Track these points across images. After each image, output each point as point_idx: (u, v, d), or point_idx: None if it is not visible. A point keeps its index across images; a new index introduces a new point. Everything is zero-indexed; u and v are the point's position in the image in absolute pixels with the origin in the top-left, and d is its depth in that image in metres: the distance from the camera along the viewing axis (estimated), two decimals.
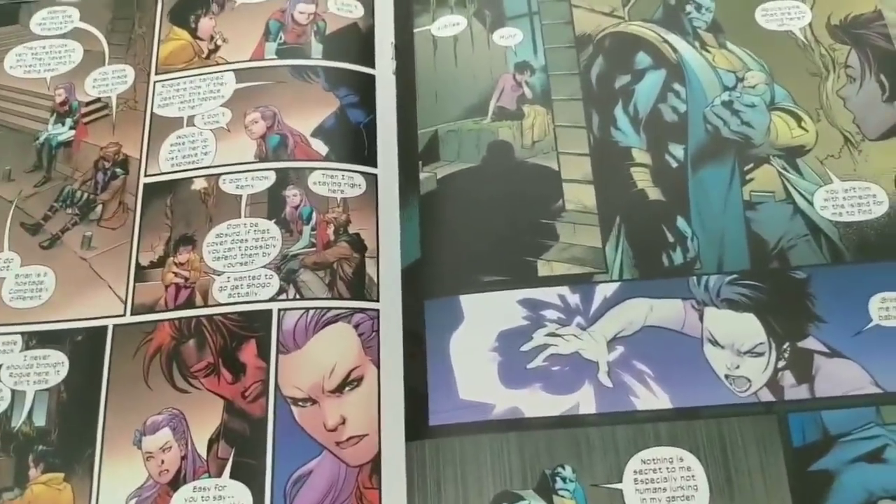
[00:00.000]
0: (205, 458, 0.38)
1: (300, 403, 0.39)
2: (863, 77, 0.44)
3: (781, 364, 0.38)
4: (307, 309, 0.41)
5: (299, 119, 0.45)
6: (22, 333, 0.42)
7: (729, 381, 0.38)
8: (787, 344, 0.38)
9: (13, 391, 0.40)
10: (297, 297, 0.41)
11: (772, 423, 0.37)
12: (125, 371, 0.40)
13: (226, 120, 0.46)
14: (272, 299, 0.41)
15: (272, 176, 0.44)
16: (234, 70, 0.47)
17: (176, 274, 0.42)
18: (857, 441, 0.36)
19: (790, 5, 0.46)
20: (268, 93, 0.46)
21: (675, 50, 0.46)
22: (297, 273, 0.42)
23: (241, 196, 0.44)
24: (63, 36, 0.50)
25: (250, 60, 0.48)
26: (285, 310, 0.41)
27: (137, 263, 0.43)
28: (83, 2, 0.51)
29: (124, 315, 0.42)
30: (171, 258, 0.43)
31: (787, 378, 0.38)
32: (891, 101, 0.43)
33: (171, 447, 0.39)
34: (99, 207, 0.45)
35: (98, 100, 0.48)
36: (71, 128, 0.47)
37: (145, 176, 0.45)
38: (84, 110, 0.48)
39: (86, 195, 0.45)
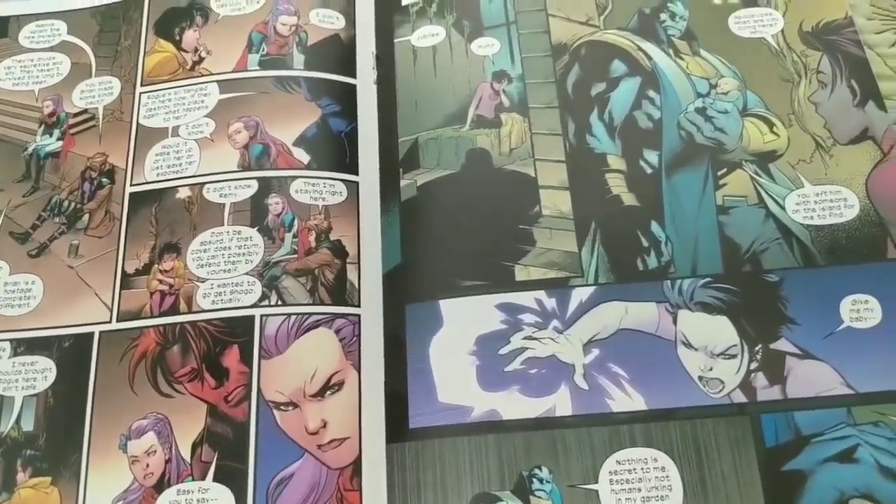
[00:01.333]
0: (189, 461, 0.39)
1: (282, 407, 0.40)
2: (834, 82, 0.44)
3: (754, 366, 0.39)
4: (289, 314, 0.42)
5: (282, 128, 0.46)
6: (10, 340, 0.43)
7: (702, 382, 0.39)
8: (759, 346, 0.39)
9: (1, 397, 0.41)
10: (280, 302, 0.42)
11: (745, 424, 0.38)
12: (111, 376, 0.41)
13: (210, 130, 0.47)
14: (255, 305, 0.42)
15: (255, 184, 0.45)
16: (217, 81, 0.48)
17: (161, 281, 0.43)
18: (828, 441, 0.37)
19: (763, 12, 0.47)
20: (251, 103, 0.47)
21: (649, 58, 0.47)
22: (279, 279, 0.43)
23: (224, 204, 0.45)
24: (51, 49, 0.51)
25: (234, 72, 0.49)
26: (267, 315, 0.42)
27: (123, 271, 0.44)
28: (71, 15, 0.52)
29: (110, 322, 0.43)
30: (156, 265, 0.44)
31: (760, 379, 0.38)
32: (861, 106, 0.44)
33: (155, 451, 0.39)
34: (86, 216, 0.46)
35: (85, 111, 0.49)
36: (59, 138, 0.48)
37: (131, 185, 0.46)
38: (71, 121, 0.49)
39: (73, 204, 0.46)
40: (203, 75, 0.49)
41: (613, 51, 0.47)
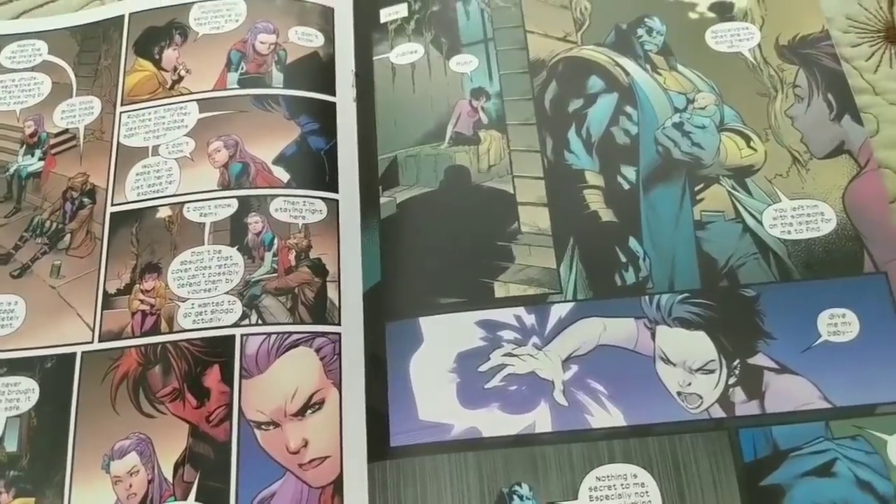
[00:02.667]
0: (171, 481, 0.39)
1: (263, 427, 0.40)
2: (811, 96, 0.45)
3: (732, 381, 0.39)
4: (269, 334, 0.42)
5: (261, 147, 0.47)
6: None
7: (681, 398, 0.39)
8: (737, 361, 0.39)
9: None
10: (260, 322, 0.42)
11: (723, 439, 0.38)
12: (93, 397, 0.41)
13: (189, 149, 0.47)
14: (235, 325, 0.42)
15: (234, 203, 0.45)
16: (197, 100, 0.49)
17: (142, 301, 0.43)
18: (806, 455, 0.37)
19: (739, 27, 0.47)
20: (230, 122, 0.48)
21: (627, 73, 0.47)
22: (259, 298, 0.43)
23: (204, 224, 0.45)
24: (32, 69, 0.51)
25: (213, 90, 0.49)
26: (248, 335, 0.42)
27: (105, 291, 0.44)
28: (51, 35, 0.52)
29: (92, 342, 0.43)
30: (138, 285, 0.44)
31: (738, 394, 0.38)
32: (837, 120, 0.44)
33: (138, 471, 0.40)
34: (67, 237, 0.46)
35: (66, 131, 0.49)
36: (40, 159, 0.48)
37: (112, 205, 0.46)
38: (53, 141, 0.49)
39: (55, 224, 0.46)
40: (182, 94, 0.49)
41: (591, 67, 0.47)
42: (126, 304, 0.43)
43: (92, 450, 0.40)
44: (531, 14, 0.50)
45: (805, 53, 0.46)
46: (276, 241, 0.44)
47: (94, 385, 0.41)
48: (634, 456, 0.38)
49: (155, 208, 0.46)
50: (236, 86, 0.49)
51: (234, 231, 0.44)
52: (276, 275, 0.43)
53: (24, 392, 0.42)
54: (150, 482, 0.39)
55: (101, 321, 0.43)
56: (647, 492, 0.37)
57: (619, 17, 0.49)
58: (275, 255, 0.44)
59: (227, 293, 0.43)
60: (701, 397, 0.39)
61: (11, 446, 0.41)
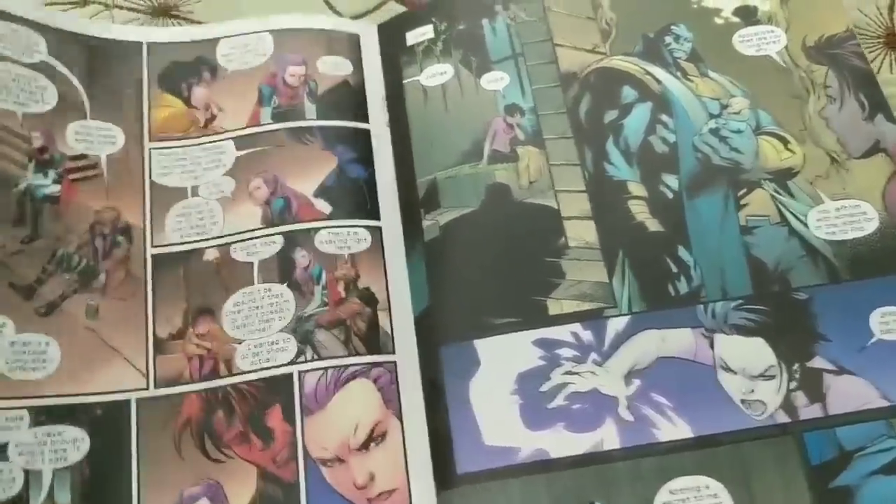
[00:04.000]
0: None
1: (328, 464, 0.40)
2: (842, 97, 0.45)
3: (793, 385, 0.39)
4: (326, 368, 0.41)
5: (300, 180, 0.46)
6: (28, 408, 0.40)
7: (745, 405, 0.39)
8: (796, 365, 0.39)
9: (27, 471, 0.39)
10: (315, 357, 0.41)
11: (789, 444, 0.38)
12: (156, 444, 0.40)
13: (230, 188, 0.46)
14: (292, 362, 0.41)
15: (280, 240, 0.45)
16: (233, 138, 0.48)
17: (198, 345, 0.43)
18: (872, 455, 0.37)
19: (765, 30, 0.48)
20: (268, 158, 0.47)
21: (658, 81, 0.47)
22: (312, 334, 0.42)
23: (252, 263, 0.44)
24: (31, 67, 0.47)
25: (247, 127, 0.48)
26: (305, 371, 0.41)
27: (155, 336, 0.43)
28: (51, 32, 0.49)
29: (148, 388, 0.42)
30: (191, 329, 0.43)
31: (800, 398, 0.39)
32: (870, 120, 0.44)
33: None
34: (102, 276, 0.44)
35: (84, 156, 0.46)
36: (55, 181, 0.45)
37: (152, 247, 0.45)
38: (69, 165, 0.46)
39: (84, 261, 0.44)
40: (217, 133, 0.48)
41: (622, 77, 0.48)
42: (180, 348, 0.43)
43: (159, 499, 0.39)
44: (558, 27, 0.49)
45: (833, 54, 0.47)
46: (324, 273, 0.43)
47: (155, 432, 0.40)
48: (705, 467, 0.38)
49: (201, 251, 0.45)
50: (270, 120, 0.48)
51: (281, 267, 0.44)
52: (326, 308, 0.43)
53: (73, 441, 0.40)
54: None
55: (154, 367, 0.42)
56: (720, 502, 0.37)
57: (646, 27, 0.49)
58: (324, 289, 0.43)
59: (280, 331, 0.42)
60: (765, 404, 0.39)
61: (63, 499, 0.39)
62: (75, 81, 0.48)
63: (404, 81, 0.50)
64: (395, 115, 0.49)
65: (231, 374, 0.42)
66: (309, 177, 0.46)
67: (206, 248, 0.45)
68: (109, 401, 0.41)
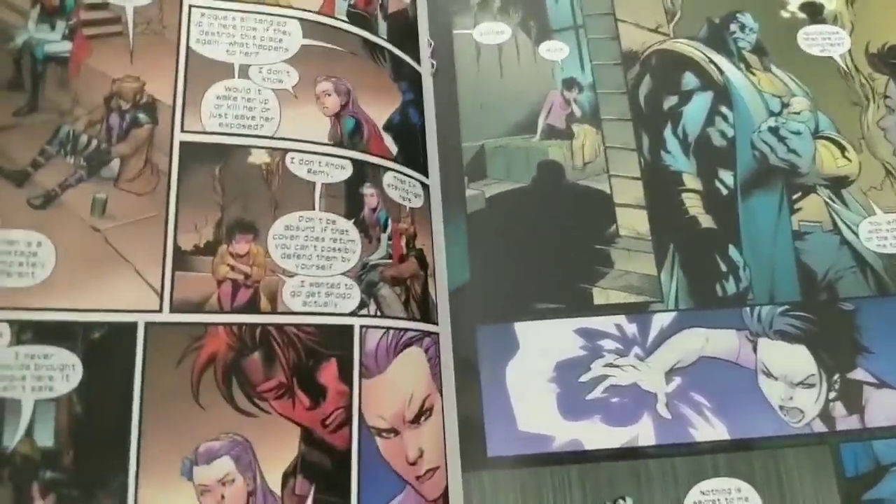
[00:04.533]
0: (279, 494, 0.33)
1: (384, 434, 0.35)
2: None
3: (832, 395, 0.39)
4: (388, 328, 0.36)
5: (372, 106, 0.39)
6: (10, 322, 0.32)
7: (783, 412, 0.39)
8: (836, 375, 0.39)
9: (1, 400, 0.31)
10: (378, 313, 0.36)
11: (825, 454, 0.38)
12: (166, 383, 0.33)
13: (291, 81, 0.38)
14: (353, 313, 0.36)
15: (349, 167, 0.38)
16: (300, 19, 0.39)
17: (233, 267, 0.35)
18: None
19: (830, 31, 0.47)
20: (339, 62, 0.39)
21: (721, 71, 0.46)
22: (377, 286, 0.37)
23: (314, 184, 0.37)
24: None
25: (320, 14, 0.39)
26: (367, 327, 0.36)
27: (176, 246, 0.34)
28: None
29: (160, 311, 0.33)
30: (226, 246, 0.35)
31: (839, 409, 0.39)
32: None
33: (233, 480, 0.33)
34: (115, 163, 0.35)
35: (105, 5, 0.37)
36: (65, 36, 0.36)
37: (182, 132, 0.36)
38: (84, 16, 0.37)
39: (94, 142, 0.35)
40: (281, 6, 0.39)
41: (685, 62, 0.46)
42: (209, 267, 0.34)
43: (166, 450, 0.32)
44: (621, 1, 0.47)
45: (894, 63, 0.46)
46: (389, 221, 0.38)
47: (167, 368, 0.33)
48: (738, 470, 0.38)
49: (246, 149, 0.36)
50: (345, 18, 0.40)
51: (348, 200, 0.37)
52: (391, 261, 0.38)
53: (60, 368, 0.32)
54: (250, 494, 0.33)
55: (172, 285, 0.34)
56: None
57: (711, 10, 0.47)
58: (389, 239, 0.38)
59: (343, 274, 0.36)
60: (803, 412, 0.39)
61: (45, 440, 0.31)
62: None
63: (454, 32, 0.47)
64: (442, 67, 0.46)
65: (275, 312, 0.35)
66: (380, 105, 0.39)
67: (254, 147, 0.37)
68: (111, 321, 0.32)
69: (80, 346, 0.32)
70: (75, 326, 0.32)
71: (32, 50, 0.36)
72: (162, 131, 0.36)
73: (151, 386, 0.32)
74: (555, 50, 0.46)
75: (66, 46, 0.36)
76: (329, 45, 0.39)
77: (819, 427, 0.38)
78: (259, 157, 0.37)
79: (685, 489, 0.38)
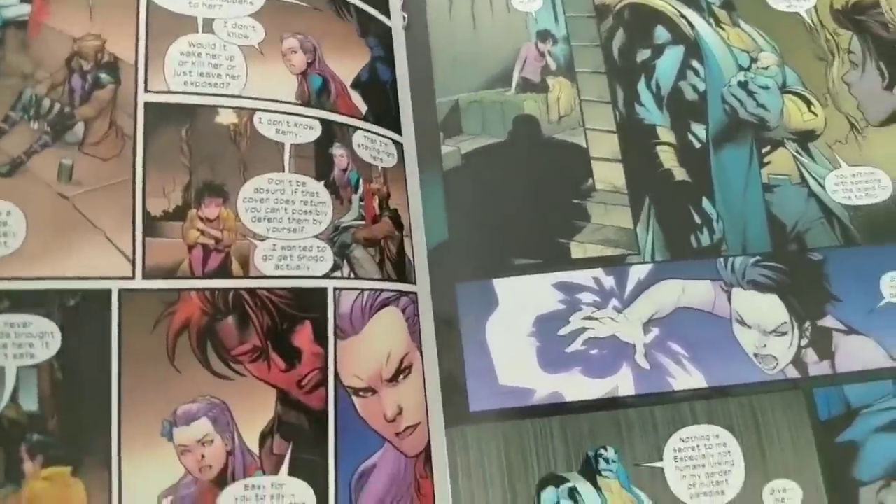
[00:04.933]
0: (257, 453, 0.34)
1: (361, 393, 0.36)
2: (864, 63, 0.46)
3: (804, 342, 0.40)
4: (362, 290, 0.37)
5: (338, 63, 0.38)
6: None
7: (758, 359, 0.40)
8: (807, 323, 0.40)
9: None
10: (352, 275, 0.37)
11: (798, 398, 0.39)
12: (142, 348, 0.33)
13: (258, 37, 0.37)
14: (327, 276, 0.36)
15: (317, 126, 0.37)
16: None
17: (203, 232, 0.35)
18: (877, 412, 0.39)
19: None
20: (304, 17, 0.38)
21: (691, 26, 0.46)
22: (350, 248, 0.37)
23: (282, 144, 0.37)
24: None
25: None
26: (341, 289, 0.36)
27: (145, 211, 0.34)
28: None
29: (133, 278, 0.33)
30: (195, 210, 0.35)
31: (811, 355, 0.40)
32: (890, 89, 0.45)
33: (212, 440, 0.34)
34: (79, 126, 0.35)
35: None
36: (24, 0, 0.35)
37: (146, 91, 0.35)
38: None
39: (58, 105, 0.35)
40: None
41: (657, 16, 0.46)
42: (179, 232, 0.34)
43: (145, 412, 0.33)
44: None
45: (858, 20, 0.47)
46: (361, 182, 0.38)
47: (142, 333, 0.33)
48: (716, 417, 0.39)
49: (213, 108, 0.36)
50: None
51: (318, 161, 0.37)
52: (363, 222, 0.37)
53: (40, 336, 0.32)
54: (229, 454, 0.34)
55: (143, 251, 0.34)
56: (729, 451, 0.38)
57: None
58: (361, 199, 0.38)
59: (315, 237, 0.36)
60: (776, 358, 0.40)
61: (30, 404, 0.32)
62: None
63: None
64: (413, 21, 0.44)
65: (247, 276, 0.35)
66: (347, 63, 0.39)
67: (221, 106, 0.36)
68: (86, 289, 0.33)
69: (58, 314, 0.33)
70: (51, 294, 0.32)
71: None
72: (125, 91, 0.35)
73: (128, 351, 0.33)
74: (528, 1, 0.45)
75: (26, 9, 0.35)
76: (293, 0, 0.39)
77: (792, 373, 0.39)
78: (226, 117, 0.36)
79: (665, 437, 0.38)
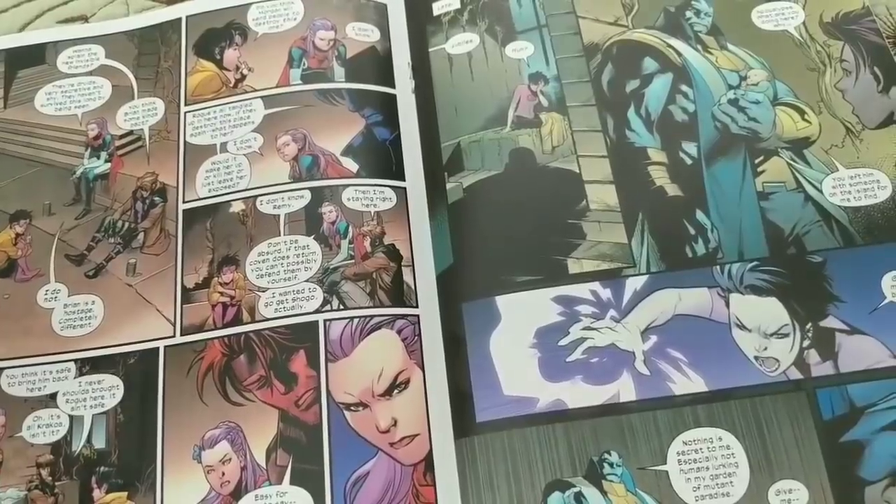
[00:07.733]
0: (264, 466, 0.40)
1: (352, 408, 0.41)
2: (858, 70, 0.47)
3: (806, 343, 0.40)
4: (351, 318, 0.43)
5: (328, 139, 0.48)
6: (75, 360, 0.43)
7: (759, 362, 0.40)
8: (809, 324, 0.41)
9: (71, 416, 0.42)
10: (341, 307, 0.43)
11: (802, 399, 0.39)
12: (180, 389, 0.42)
13: (258, 144, 0.48)
14: (317, 311, 0.43)
15: (307, 194, 0.46)
16: (262, 97, 0.50)
17: (221, 293, 0.44)
18: (882, 411, 0.38)
19: (784, 6, 0.49)
20: (296, 116, 0.49)
21: (679, 54, 0.48)
22: (338, 285, 0.44)
23: (279, 215, 0.46)
24: (90, 73, 0.52)
25: (277, 87, 0.50)
26: (331, 320, 0.43)
27: (183, 286, 0.45)
28: (107, 39, 0.53)
29: (174, 336, 0.43)
30: (216, 278, 0.45)
31: (813, 356, 0.40)
32: (885, 92, 0.46)
33: (230, 459, 0.40)
34: (141, 235, 0.47)
35: (131, 132, 0.50)
36: (106, 160, 0.49)
37: (184, 202, 0.47)
38: (118, 143, 0.50)
39: (127, 224, 0.47)
40: (247, 92, 0.50)
41: (644, 49, 0.49)
42: (205, 297, 0.44)
43: (182, 441, 0.41)
44: (581, 0, 0.51)
45: (849, 29, 0.48)
46: (350, 229, 0.45)
47: (180, 377, 0.42)
48: (718, 420, 0.39)
49: (228, 203, 0.46)
50: (299, 81, 0.49)
51: (309, 221, 0.45)
52: (353, 261, 0.44)
53: (109, 389, 0.42)
54: (243, 469, 0.40)
55: (181, 315, 0.44)
56: (732, 454, 0.39)
57: (667, 1, 0.50)
58: (350, 243, 0.45)
59: (307, 281, 0.44)
60: (778, 360, 0.40)
61: (100, 443, 0.41)
62: (127, 71, 0.52)
63: (430, 50, 0.51)
64: (420, 82, 0.50)
65: (254, 321, 0.43)
66: (337, 136, 0.47)
67: (233, 200, 0.47)
68: (141, 349, 0.43)
69: (122, 371, 0.43)
70: (118, 357, 0.44)
71: (87, 175, 0.49)
72: (170, 205, 0.48)
73: (170, 393, 0.42)
74: (520, 49, 0.50)
75: (108, 167, 0.49)
76: (286, 107, 0.49)
77: (794, 374, 0.40)
78: (237, 207, 0.47)
79: (668, 440, 0.39)
